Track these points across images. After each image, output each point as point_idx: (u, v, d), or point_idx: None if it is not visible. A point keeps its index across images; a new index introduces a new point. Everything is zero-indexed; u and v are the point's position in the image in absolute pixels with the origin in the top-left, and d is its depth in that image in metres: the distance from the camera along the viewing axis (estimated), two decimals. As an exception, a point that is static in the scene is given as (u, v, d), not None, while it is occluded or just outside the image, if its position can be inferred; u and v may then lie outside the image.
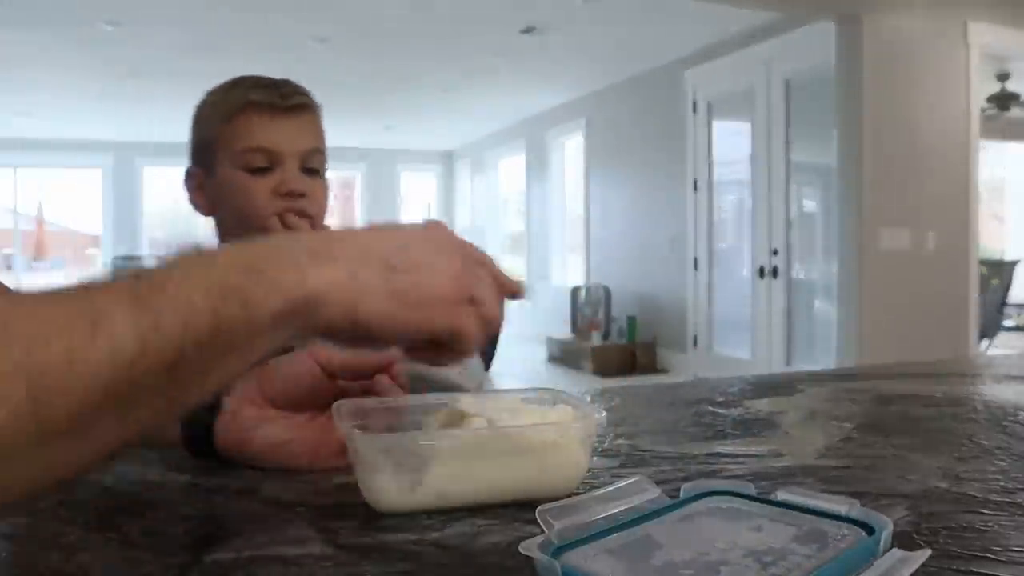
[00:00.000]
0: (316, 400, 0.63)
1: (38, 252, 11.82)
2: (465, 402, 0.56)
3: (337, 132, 1.12)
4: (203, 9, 5.05)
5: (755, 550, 0.37)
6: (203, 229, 1.18)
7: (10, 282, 0.41)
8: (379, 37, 5.73)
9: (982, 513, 0.49)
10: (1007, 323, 7.49)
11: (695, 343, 6.18)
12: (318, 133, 1.10)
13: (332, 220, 1.49)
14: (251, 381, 0.63)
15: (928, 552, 0.36)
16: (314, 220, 1.07)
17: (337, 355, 0.63)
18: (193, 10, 5.06)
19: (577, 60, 6.48)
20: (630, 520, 0.41)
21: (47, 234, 12.22)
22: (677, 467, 0.61)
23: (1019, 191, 10.31)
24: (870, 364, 2.79)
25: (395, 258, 0.46)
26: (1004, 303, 6.99)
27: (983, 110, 5.72)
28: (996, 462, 0.61)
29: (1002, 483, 0.56)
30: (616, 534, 0.39)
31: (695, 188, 6.11)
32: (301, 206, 1.05)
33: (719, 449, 0.67)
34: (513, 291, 0.52)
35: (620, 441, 0.70)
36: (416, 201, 11.48)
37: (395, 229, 0.50)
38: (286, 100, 1.05)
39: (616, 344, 6.72)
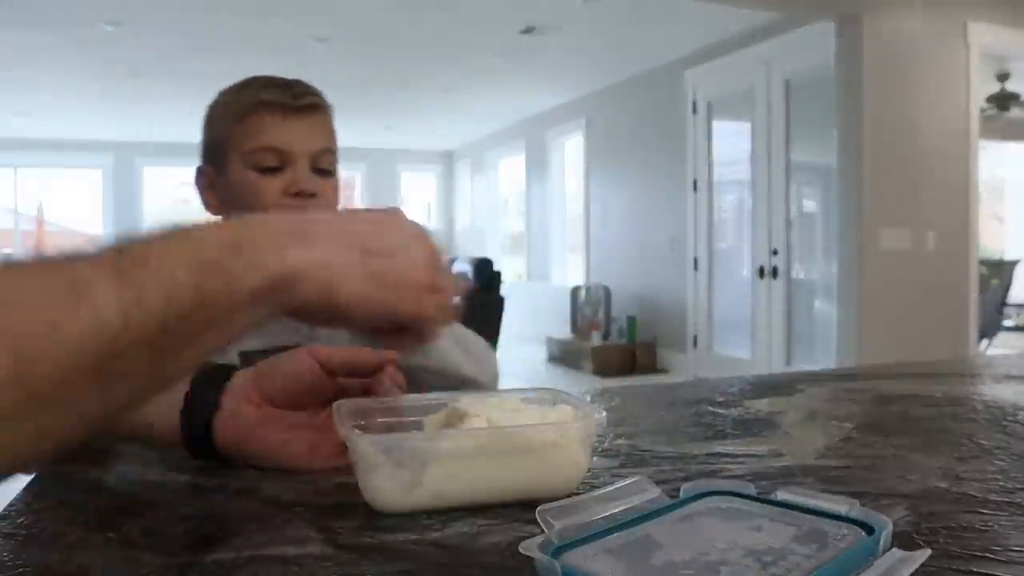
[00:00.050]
0: (315, 398, 0.63)
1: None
2: (465, 402, 0.56)
3: (337, 132, 1.12)
4: (203, 10, 5.05)
5: (755, 550, 0.37)
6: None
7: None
8: (379, 37, 5.73)
9: (982, 513, 0.49)
10: (1007, 323, 7.49)
11: (695, 343, 6.18)
12: (329, 133, 1.10)
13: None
14: (250, 380, 0.63)
15: (928, 552, 0.36)
16: None
17: (337, 353, 0.64)
18: (193, 11, 5.06)
19: (577, 60, 6.48)
20: (630, 520, 0.41)
21: (47, 234, 12.21)
22: (677, 467, 0.61)
23: (1019, 191, 10.31)
24: (870, 364, 2.79)
25: (371, 242, 0.47)
26: (1004, 303, 7.00)
27: (983, 110, 5.73)
28: (996, 462, 0.61)
29: (1002, 483, 0.56)
30: (616, 534, 0.39)
31: (695, 188, 6.10)
32: (311, 206, 1.05)
33: (719, 449, 0.67)
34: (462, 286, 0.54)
35: (620, 441, 0.70)
36: (416, 201, 11.47)
37: (366, 213, 0.51)
38: (298, 100, 1.05)
39: (616, 344, 6.71)
